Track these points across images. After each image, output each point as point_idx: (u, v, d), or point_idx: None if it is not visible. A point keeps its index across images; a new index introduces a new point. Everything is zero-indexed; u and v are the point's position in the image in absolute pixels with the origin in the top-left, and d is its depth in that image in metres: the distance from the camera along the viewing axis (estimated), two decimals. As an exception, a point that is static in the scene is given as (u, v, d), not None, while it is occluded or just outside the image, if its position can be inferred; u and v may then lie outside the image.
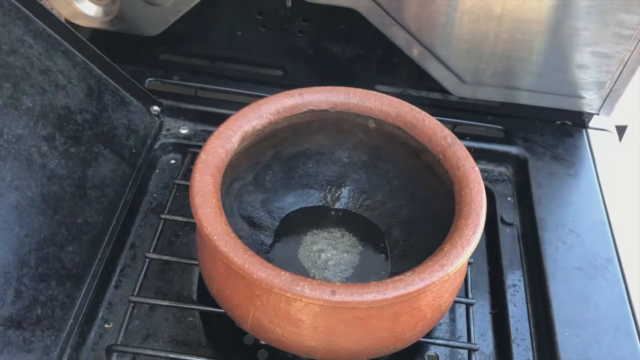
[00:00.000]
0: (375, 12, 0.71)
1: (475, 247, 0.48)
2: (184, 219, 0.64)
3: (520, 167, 0.75)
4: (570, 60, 0.72)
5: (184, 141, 0.75)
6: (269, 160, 0.63)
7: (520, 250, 0.67)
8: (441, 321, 0.61)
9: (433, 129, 0.57)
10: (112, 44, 0.73)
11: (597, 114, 0.78)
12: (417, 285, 0.44)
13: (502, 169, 0.76)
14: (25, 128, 0.56)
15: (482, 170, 0.55)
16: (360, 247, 0.63)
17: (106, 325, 0.58)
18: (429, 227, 0.61)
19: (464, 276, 0.58)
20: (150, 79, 0.81)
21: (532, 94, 0.76)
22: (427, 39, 0.73)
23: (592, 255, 0.64)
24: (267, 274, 0.44)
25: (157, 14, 0.76)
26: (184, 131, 0.76)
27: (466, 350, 0.57)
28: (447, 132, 0.56)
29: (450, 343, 0.58)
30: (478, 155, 0.73)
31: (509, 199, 0.73)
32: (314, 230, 0.64)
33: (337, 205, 0.66)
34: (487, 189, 0.62)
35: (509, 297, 0.62)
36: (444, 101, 0.80)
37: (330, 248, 0.62)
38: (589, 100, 0.76)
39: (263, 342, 0.57)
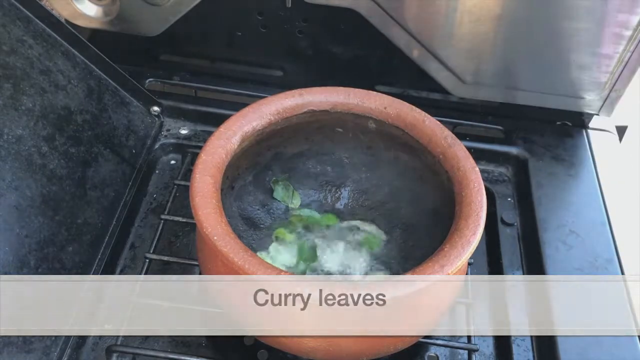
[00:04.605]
0: (375, 12, 0.71)
1: (475, 247, 0.48)
2: (184, 220, 0.64)
3: (521, 168, 0.75)
4: (570, 60, 0.72)
5: (184, 142, 0.75)
6: (269, 160, 0.63)
7: (520, 251, 0.67)
8: (441, 322, 0.61)
9: (433, 130, 0.57)
10: (112, 44, 0.73)
11: (597, 115, 0.78)
12: (417, 285, 0.44)
13: (502, 170, 0.76)
14: (25, 128, 0.56)
15: (482, 171, 0.55)
16: (360, 247, 0.63)
17: (106, 326, 0.58)
18: (429, 228, 0.61)
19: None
20: (150, 79, 0.81)
21: (532, 94, 0.76)
22: (427, 39, 0.73)
23: (592, 256, 0.64)
24: (267, 274, 0.44)
25: (157, 14, 0.76)
26: (184, 132, 0.76)
27: (466, 351, 0.57)
28: (447, 132, 0.56)
29: (451, 343, 0.58)
30: (478, 155, 0.73)
31: (509, 199, 0.73)
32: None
33: (337, 206, 0.66)
34: (487, 189, 0.62)
35: (509, 297, 0.62)
36: (444, 101, 0.80)
37: (330, 248, 0.62)
38: (589, 101, 0.76)
39: (263, 343, 0.57)
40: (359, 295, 0.43)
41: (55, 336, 0.54)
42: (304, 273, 0.59)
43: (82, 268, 0.58)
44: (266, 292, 0.46)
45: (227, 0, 0.75)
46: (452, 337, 0.60)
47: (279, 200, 0.64)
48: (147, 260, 0.61)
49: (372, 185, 0.66)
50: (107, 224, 0.63)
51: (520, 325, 0.60)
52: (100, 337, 0.58)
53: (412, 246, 0.62)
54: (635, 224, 0.68)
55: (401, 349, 0.52)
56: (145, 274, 0.60)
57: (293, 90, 0.58)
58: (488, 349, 0.60)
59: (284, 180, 0.64)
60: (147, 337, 0.58)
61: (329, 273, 0.60)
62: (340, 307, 0.45)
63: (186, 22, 0.76)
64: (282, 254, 0.61)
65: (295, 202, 0.64)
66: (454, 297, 0.53)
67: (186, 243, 0.66)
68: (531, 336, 0.60)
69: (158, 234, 0.63)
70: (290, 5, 0.73)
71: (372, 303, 0.44)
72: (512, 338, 0.59)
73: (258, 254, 0.59)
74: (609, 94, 0.75)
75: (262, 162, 0.63)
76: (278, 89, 0.61)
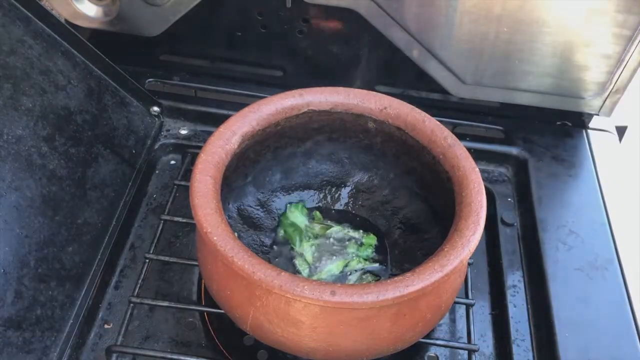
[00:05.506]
0: (375, 12, 0.71)
1: (475, 247, 0.48)
2: (184, 220, 0.64)
3: (520, 168, 0.75)
4: (570, 60, 0.72)
5: (184, 142, 0.75)
6: (269, 160, 0.63)
7: (520, 251, 0.67)
8: (441, 322, 0.61)
9: (433, 130, 0.57)
10: (112, 45, 0.73)
11: (597, 115, 0.78)
12: (417, 285, 0.44)
13: (502, 170, 0.76)
14: (25, 129, 0.56)
15: (482, 171, 0.55)
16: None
17: (106, 326, 0.58)
18: (429, 228, 0.61)
19: (464, 277, 0.58)
20: (150, 79, 0.81)
21: (532, 95, 0.76)
22: (427, 39, 0.73)
23: (592, 256, 0.64)
24: (267, 274, 0.44)
25: (157, 15, 0.76)
26: (183, 132, 0.76)
27: (466, 351, 0.57)
28: (447, 132, 0.56)
29: (451, 344, 0.58)
30: (478, 155, 0.73)
31: (509, 199, 0.73)
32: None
33: (337, 206, 0.66)
34: (487, 189, 0.62)
35: (509, 297, 0.62)
36: (444, 102, 0.80)
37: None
38: (589, 101, 0.76)
39: (263, 343, 0.57)
40: (359, 295, 0.43)
41: (55, 336, 0.54)
42: (310, 275, 0.60)
43: (82, 268, 0.58)
44: (266, 292, 0.46)
45: (227, 0, 0.75)
46: (452, 337, 0.61)
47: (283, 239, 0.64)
48: (147, 261, 0.61)
49: (372, 186, 0.66)
50: (107, 224, 0.63)
51: (520, 325, 0.60)
52: (100, 337, 0.58)
53: (411, 246, 0.62)
54: (635, 224, 0.68)
55: (401, 349, 0.52)
56: (145, 274, 0.60)
57: (293, 90, 0.58)
58: (488, 349, 0.60)
59: (296, 220, 0.63)
60: (147, 337, 0.58)
61: (328, 273, 0.60)
62: (340, 308, 0.45)
63: (186, 22, 0.76)
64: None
65: (303, 249, 0.62)
66: (453, 297, 0.53)
67: (186, 243, 0.66)
68: (531, 336, 0.60)
69: (158, 234, 0.63)
70: (290, 5, 0.73)
71: (372, 303, 0.44)
72: (512, 338, 0.59)
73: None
74: (608, 94, 0.75)
75: (262, 162, 0.63)
76: (278, 89, 0.61)
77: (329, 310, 0.45)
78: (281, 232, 0.63)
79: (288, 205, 0.64)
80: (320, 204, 0.66)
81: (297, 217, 0.63)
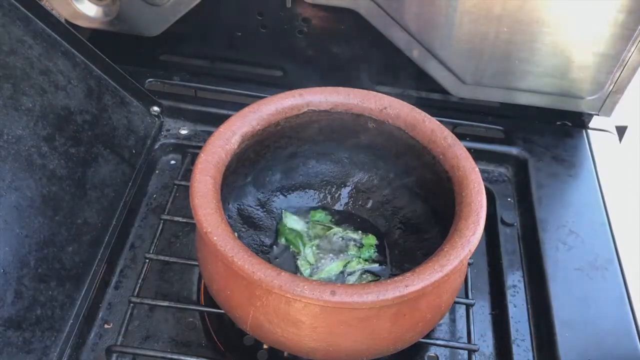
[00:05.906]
0: (375, 12, 0.71)
1: (475, 247, 0.48)
2: (184, 220, 0.64)
3: (521, 168, 0.75)
4: (570, 60, 0.72)
5: (184, 142, 0.75)
6: (269, 160, 0.63)
7: (520, 251, 0.67)
8: (441, 322, 0.61)
9: (433, 130, 0.57)
10: (112, 45, 0.73)
11: (597, 115, 0.78)
12: (417, 285, 0.44)
13: (502, 170, 0.76)
14: (25, 129, 0.56)
15: (482, 171, 0.55)
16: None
17: (106, 326, 0.58)
18: (429, 228, 0.61)
19: (464, 277, 0.58)
20: (150, 79, 0.81)
21: (532, 95, 0.76)
22: (427, 39, 0.73)
23: (592, 256, 0.64)
24: (267, 274, 0.44)
25: (157, 15, 0.76)
26: (184, 132, 0.76)
27: (466, 351, 0.57)
28: (447, 132, 0.56)
29: (451, 344, 0.58)
30: (478, 155, 0.73)
31: (509, 199, 0.73)
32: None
33: (337, 206, 0.66)
34: (487, 189, 0.62)
35: (509, 297, 0.62)
36: (444, 102, 0.80)
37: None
38: (589, 101, 0.76)
39: (263, 343, 0.57)
40: (359, 295, 0.43)
41: (55, 336, 0.54)
42: (310, 275, 0.60)
43: (82, 268, 0.58)
44: (266, 292, 0.46)
45: (227, 0, 0.75)
46: (452, 337, 0.61)
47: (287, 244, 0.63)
48: (147, 261, 0.61)
49: (372, 186, 0.66)
50: (107, 224, 0.63)
51: (520, 325, 0.60)
52: (100, 337, 0.58)
53: (411, 246, 0.62)
54: (635, 224, 0.68)
55: (401, 349, 0.52)
56: (145, 274, 0.60)
57: (293, 90, 0.58)
58: (488, 349, 0.60)
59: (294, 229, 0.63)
60: (147, 337, 0.58)
61: (328, 273, 0.60)
62: (340, 308, 0.45)
63: (186, 22, 0.76)
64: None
65: (307, 254, 0.62)
66: (453, 297, 0.53)
67: (186, 243, 0.66)
68: (531, 336, 0.60)
69: (158, 234, 0.63)
70: (290, 5, 0.73)
71: (372, 303, 0.44)
72: (512, 338, 0.59)
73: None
74: (608, 94, 0.75)
75: (262, 162, 0.63)
76: (278, 89, 0.61)
77: (329, 310, 0.45)
78: (282, 240, 0.62)
79: (283, 211, 0.64)
80: (320, 204, 0.66)
81: (294, 221, 0.63)
